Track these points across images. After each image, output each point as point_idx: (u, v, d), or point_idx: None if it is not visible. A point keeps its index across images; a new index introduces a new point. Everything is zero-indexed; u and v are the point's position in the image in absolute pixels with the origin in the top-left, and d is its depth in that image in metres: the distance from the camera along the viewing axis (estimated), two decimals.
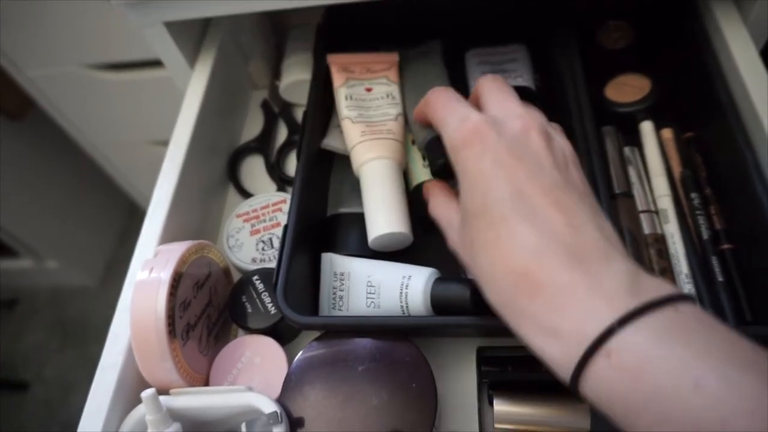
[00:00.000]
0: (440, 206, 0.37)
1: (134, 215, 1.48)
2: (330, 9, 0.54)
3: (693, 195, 0.43)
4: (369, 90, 0.48)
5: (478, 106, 0.35)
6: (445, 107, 0.34)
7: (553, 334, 0.25)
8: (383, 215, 0.42)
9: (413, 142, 0.48)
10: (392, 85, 0.49)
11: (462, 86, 0.51)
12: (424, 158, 0.48)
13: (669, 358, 0.22)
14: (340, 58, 0.50)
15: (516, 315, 0.27)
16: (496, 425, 0.37)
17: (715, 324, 0.24)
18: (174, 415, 0.36)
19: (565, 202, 0.28)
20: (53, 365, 1.44)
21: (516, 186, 0.28)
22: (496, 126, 0.31)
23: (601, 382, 0.24)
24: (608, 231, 0.28)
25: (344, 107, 0.47)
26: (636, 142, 0.48)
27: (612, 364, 0.23)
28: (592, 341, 0.23)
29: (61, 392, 1.40)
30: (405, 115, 0.47)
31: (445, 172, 0.40)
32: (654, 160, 0.46)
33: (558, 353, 0.25)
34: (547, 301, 0.26)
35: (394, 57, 0.50)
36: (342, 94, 0.48)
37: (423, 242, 0.44)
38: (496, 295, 0.29)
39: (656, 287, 0.25)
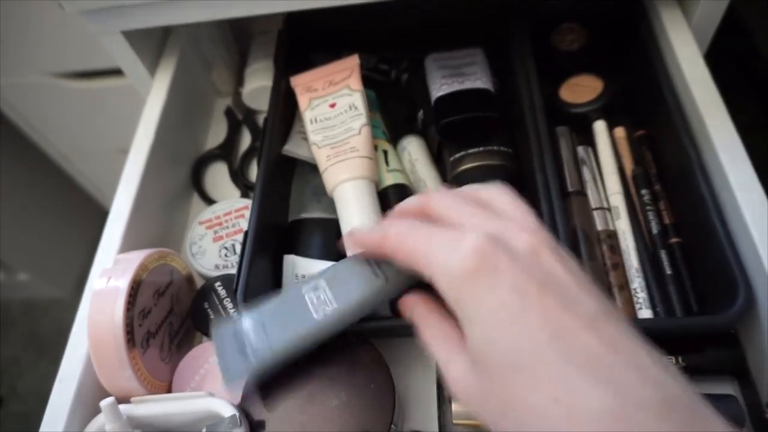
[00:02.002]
0: (434, 332, 0.28)
1: None
2: (290, 16, 0.55)
3: (644, 192, 0.45)
4: (333, 106, 0.49)
5: None
6: (418, 238, 0.26)
7: None
8: None
9: (375, 148, 0.49)
10: (354, 94, 0.49)
11: (423, 91, 0.52)
12: (387, 163, 0.49)
13: None
14: (302, 78, 0.50)
15: None
16: (455, 422, 0.38)
17: None
18: (135, 423, 0.36)
19: (615, 336, 0.22)
20: (28, 379, 1.42)
21: (553, 323, 0.22)
22: (501, 243, 0.24)
23: None
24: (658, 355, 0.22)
25: (310, 132, 0.47)
26: (590, 141, 0.49)
27: None
28: None
29: (36, 406, 1.37)
30: (370, 125, 0.48)
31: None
32: (606, 158, 0.47)
33: None
34: None
35: (354, 60, 0.51)
36: (307, 117, 0.48)
37: None
38: None
39: None
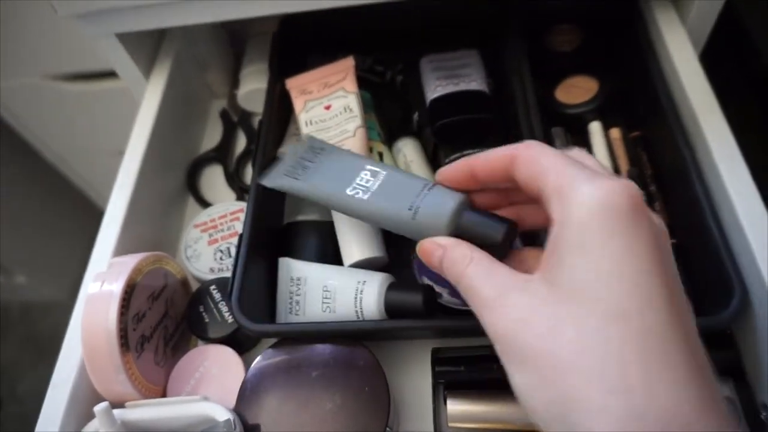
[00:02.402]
0: (482, 274, 0.26)
1: None
2: (285, 18, 0.55)
3: None
4: (328, 108, 0.49)
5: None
6: (560, 160, 0.25)
7: None
8: (356, 241, 0.42)
9: (371, 149, 0.48)
10: (349, 96, 0.49)
11: (418, 92, 0.52)
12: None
13: None
14: (297, 81, 0.50)
15: None
16: (450, 424, 0.38)
17: None
18: (130, 427, 0.36)
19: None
20: (27, 382, 1.42)
21: (671, 286, 0.22)
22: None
23: None
24: None
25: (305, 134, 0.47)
26: (586, 142, 0.49)
27: None
28: None
29: (36, 408, 1.37)
30: (365, 127, 0.48)
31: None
32: (602, 159, 0.47)
33: None
34: None
35: (349, 62, 0.51)
36: (302, 120, 0.48)
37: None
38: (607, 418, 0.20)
39: None
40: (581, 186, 0.23)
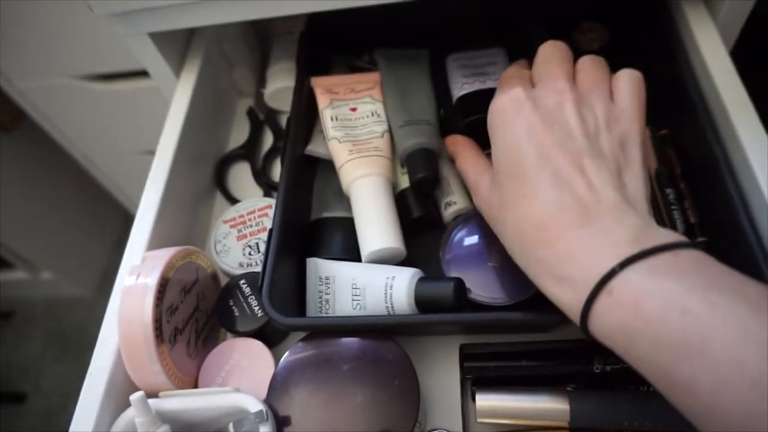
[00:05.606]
0: (470, 161, 0.40)
1: (128, 225, 1.48)
2: (312, 17, 0.55)
3: (668, 191, 0.44)
4: (354, 110, 0.49)
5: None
6: (507, 79, 0.37)
7: (565, 281, 0.29)
8: (376, 231, 0.42)
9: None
10: (377, 104, 0.49)
11: (443, 90, 0.52)
12: (402, 166, 0.49)
13: (660, 290, 0.25)
14: (324, 81, 0.51)
15: (534, 265, 0.31)
16: (479, 420, 0.38)
17: (712, 264, 0.27)
18: (163, 417, 0.37)
19: (587, 166, 0.31)
20: (51, 376, 1.45)
21: (543, 151, 0.31)
22: (533, 98, 0.34)
23: (605, 318, 0.27)
24: (631, 191, 0.31)
25: (330, 128, 0.48)
26: None
27: (613, 301, 0.27)
28: (596, 283, 0.27)
29: (59, 403, 1.40)
30: (390, 132, 0.48)
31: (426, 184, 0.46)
32: None
33: (569, 298, 0.29)
34: (560, 251, 0.29)
35: (376, 76, 0.51)
36: (327, 115, 0.49)
37: (408, 244, 0.44)
38: (519, 248, 0.32)
39: (661, 237, 0.28)
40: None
